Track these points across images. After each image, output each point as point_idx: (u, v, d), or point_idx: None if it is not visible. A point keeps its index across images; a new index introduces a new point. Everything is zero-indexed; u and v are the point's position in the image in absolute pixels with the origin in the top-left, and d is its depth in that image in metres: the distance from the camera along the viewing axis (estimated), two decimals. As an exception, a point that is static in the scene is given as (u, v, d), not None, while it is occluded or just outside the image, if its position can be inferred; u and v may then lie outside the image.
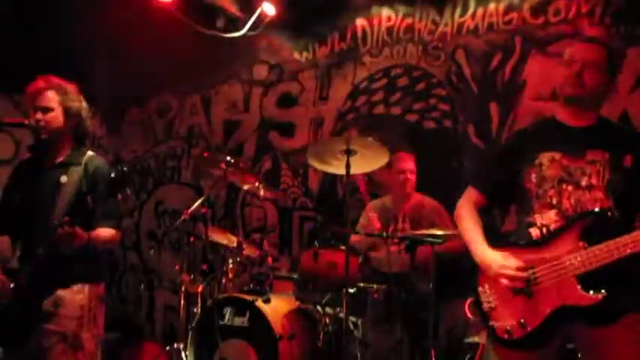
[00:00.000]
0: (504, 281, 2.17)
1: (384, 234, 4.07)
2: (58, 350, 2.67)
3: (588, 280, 2.03)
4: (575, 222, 2.12)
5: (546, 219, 2.20)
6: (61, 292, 2.72)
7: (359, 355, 3.78)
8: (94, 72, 6.21)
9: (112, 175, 2.55)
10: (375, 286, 3.83)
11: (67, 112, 2.85)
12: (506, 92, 4.56)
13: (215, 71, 6.08)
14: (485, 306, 2.26)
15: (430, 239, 3.77)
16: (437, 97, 4.90)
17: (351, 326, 3.81)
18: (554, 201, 2.20)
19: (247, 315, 3.83)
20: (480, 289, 2.30)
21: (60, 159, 2.87)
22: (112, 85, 6.33)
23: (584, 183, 2.17)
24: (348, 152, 3.53)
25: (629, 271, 2.03)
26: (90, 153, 2.91)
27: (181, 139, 6.30)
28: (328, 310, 3.84)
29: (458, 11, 4.84)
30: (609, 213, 2.09)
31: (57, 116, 2.83)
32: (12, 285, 2.66)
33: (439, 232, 3.77)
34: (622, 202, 2.12)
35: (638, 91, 4.08)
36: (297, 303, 3.93)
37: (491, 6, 4.68)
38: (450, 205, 4.30)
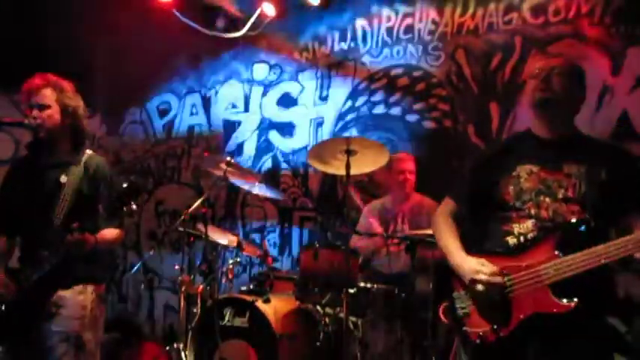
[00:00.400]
0: (479, 286, 2.22)
1: (385, 234, 4.07)
2: (60, 350, 2.67)
3: (562, 288, 2.07)
4: (551, 232, 2.17)
5: (524, 228, 2.25)
6: (62, 293, 2.72)
7: (359, 355, 3.78)
8: (94, 72, 6.22)
9: (124, 185, 2.58)
10: (375, 286, 3.83)
11: (64, 109, 2.85)
12: (506, 92, 4.56)
13: (215, 71, 6.08)
14: (460, 311, 2.30)
15: (430, 239, 3.76)
16: (437, 97, 4.90)
17: (351, 326, 3.81)
18: (533, 212, 2.26)
19: (247, 315, 3.82)
20: (455, 294, 2.34)
21: (59, 158, 2.87)
22: (112, 85, 6.34)
23: (560, 195, 2.23)
24: (348, 152, 3.53)
25: (601, 281, 2.10)
26: (89, 152, 2.91)
27: (181, 139, 6.30)
28: (328, 310, 3.84)
29: (458, 11, 4.84)
30: (584, 224, 2.13)
31: (53, 114, 2.82)
32: (14, 285, 2.67)
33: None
34: (598, 213, 2.16)
35: (638, 91, 4.08)
36: (297, 303, 3.93)
37: (491, 6, 4.69)
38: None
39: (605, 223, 2.18)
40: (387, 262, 4.07)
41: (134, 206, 2.60)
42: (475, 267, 2.25)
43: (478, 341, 2.21)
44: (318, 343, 3.72)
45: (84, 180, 2.79)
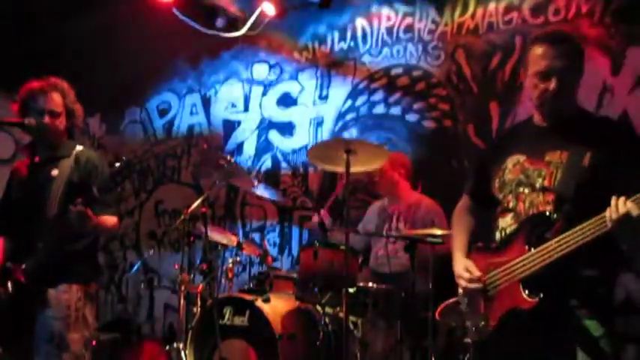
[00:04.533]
0: (460, 290, 2.30)
1: (384, 234, 4.08)
2: (42, 350, 2.67)
3: (533, 282, 2.06)
4: (523, 225, 2.16)
5: (504, 223, 2.25)
6: (48, 292, 2.72)
7: (359, 355, 3.78)
8: (94, 72, 6.22)
9: (117, 164, 2.60)
10: (375, 285, 3.83)
11: (70, 114, 2.88)
12: (506, 92, 4.56)
13: (215, 71, 6.08)
14: (462, 307, 2.34)
15: (430, 239, 3.77)
16: (437, 97, 4.90)
17: (351, 326, 3.81)
18: (511, 205, 2.23)
19: (247, 315, 3.83)
20: (459, 291, 2.36)
21: (52, 154, 2.88)
22: (112, 85, 6.34)
23: (538, 185, 2.17)
24: (348, 152, 3.53)
25: (573, 272, 2.04)
26: (79, 147, 2.91)
27: (181, 139, 6.30)
28: (328, 309, 3.84)
29: (458, 11, 4.84)
30: (548, 214, 2.09)
31: (63, 120, 2.86)
32: (9, 283, 2.67)
33: (437, 232, 3.77)
34: (576, 202, 2.06)
35: (638, 91, 4.08)
36: (297, 303, 3.93)
37: (491, 6, 4.68)
38: (450, 205, 4.33)
39: (582, 212, 2.00)
40: (387, 261, 4.07)
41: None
42: (459, 272, 2.30)
43: (476, 338, 2.26)
44: (317, 343, 3.72)
45: (75, 171, 2.79)
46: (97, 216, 2.70)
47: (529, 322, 2.08)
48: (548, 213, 2.10)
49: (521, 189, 2.21)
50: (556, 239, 1.98)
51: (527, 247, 2.09)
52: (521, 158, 2.24)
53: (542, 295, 2.02)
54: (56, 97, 2.83)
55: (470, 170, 2.72)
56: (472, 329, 2.27)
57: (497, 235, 2.28)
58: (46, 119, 2.79)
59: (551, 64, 2.16)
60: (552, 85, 2.14)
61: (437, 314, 3.36)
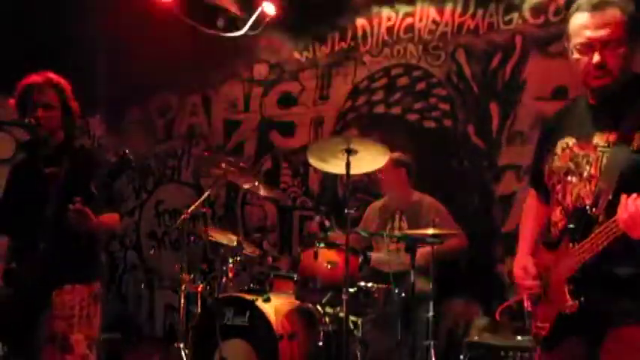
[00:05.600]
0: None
1: (384, 233, 4.08)
2: (46, 351, 2.66)
3: (578, 284, 1.86)
4: (569, 221, 1.96)
5: (555, 217, 2.05)
6: (51, 292, 2.71)
7: (359, 355, 3.78)
8: (94, 72, 6.22)
9: (121, 156, 2.60)
10: (375, 285, 3.83)
11: (66, 109, 2.86)
12: (507, 92, 4.56)
13: (215, 71, 6.08)
14: (527, 305, 2.17)
15: (430, 239, 3.77)
16: (437, 97, 4.90)
17: (351, 326, 3.81)
18: (560, 197, 2.02)
19: (247, 314, 3.82)
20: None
21: (51, 152, 2.87)
22: (112, 85, 6.34)
23: (585, 174, 1.93)
24: (349, 152, 3.54)
25: (619, 274, 1.82)
26: (79, 145, 2.91)
27: (181, 139, 6.30)
28: (328, 309, 3.84)
29: (458, 11, 4.84)
30: (587, 209, 1.87)
31: (57, 114, 2.83)
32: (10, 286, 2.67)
33: (438, 232, 3.77)
34: (627, 190, 1.74)
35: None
36: (297, 302, 3.93)
37: (491, 6, 4.68)
38: (450, 205, 4.35)
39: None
40: (387, 261, 4.07)
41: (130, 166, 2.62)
42: (516, 272, 2.13)
43: (538, 336, 2.07)
44: (318, 343, 3.72)
45: (74, 168, 2.76)
46: (97, 214, 2.68)
47: (577, 328, 1.89)
48: (587, 207, 1.87)
49: (569, 178, 1.98)
50: (605, 225, 1.75)
51: (570, 244, 1.89)
52: (571, 142, 2.00)
53: (583, 299, 1.83)
54: (50, 92, 2.82)
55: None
56: (532, 331, 2.12)
57: (553, 231, 2.06)
58: (39, 112, 2.77)
59: (593, 35, 1.87)
60: (597, 57, 1.87)
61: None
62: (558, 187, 2.02)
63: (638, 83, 1.94)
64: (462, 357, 3.65)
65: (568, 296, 1.87)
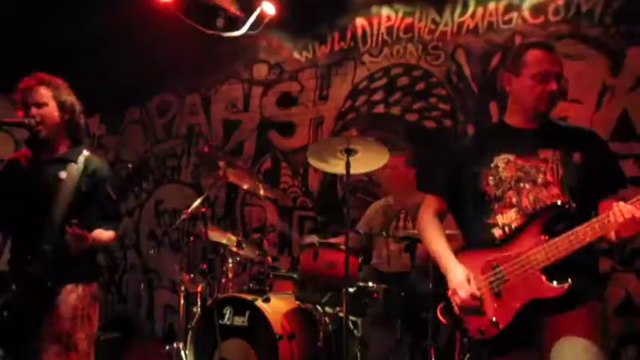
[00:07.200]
0: (456, 298, 2.25)
1: (384, 233, 4.07)
2: (52, 351, 2.66)
3: (552, 272, 2.11)
4: (535, 218, 2.20)
5: (507, 218, 2.27)
6: (55, 293, 2.72)
7: (359, 354, 3.78)
8: (94, 72, 6.22)
9: (130, 167, 2.61)
10: (375, 285, 3.83)
11: (61, 105, 2.85)
12: (506, 92, 4.55)
13: (215, 71, 6.08)
14: (457, 309, 2.29)
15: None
16: (437, 97, 4.90)
17: (351, 326, 3.81)
18: (514, 200, 2.27)
19: (247, 314, 3.82)
20: (449, 293, 2.32)
21: (58, 155, 2.86)
22: (112, 85, 6.34)
23: (540, 180, 2.25)
24: (348, 152, 3.53)
25: (586, 261, 2.16)
26: (86, 152, 2.90)
27: (181, 139, 6.30)
28: (328, 309, 3.84)
29: (458, 11, 4.84)
30: (566, 205, 2.17)
31: (52, 111, 2.83)
32: (13, 286, 2.67)
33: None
34: (577, 196, 2.21)
35: (638, 91, 4.08)
36: (297, 302, 3.93)
37: (491, 6, 4.69)
38: (450, 205, 4.34)
39: (585, 205, 2.20)
40: (387, 260, 4.07)
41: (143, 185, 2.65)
42: (460, 281, 2.24)
43: (478, 336, 2.23)
44: (318, 343, 3.73)
45: (83, 178, 2.79)
46: (94, 228, 2.74)
47: (557, 308, 2.11)
48: (560, 203, 2.17)
49: (521, 184, 2.27)
50: (588, 222, 2.06)
51: (544, 237, 2.13)
52: (511, 157, 2.32)
53: (569, 281, 2.07)
54: (42, 90, 2.82)
55: (437, 173, 2.67)
56: (476, 329, 2.23)
57: (499, 232, 2.27)
58: (32, 111, 2.78)
59: (551, 68, 2.29)
60: (553, 85, 2.27)
61: (438, 313, 3.25)
62: (509, 192, 2.28)
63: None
64: (462, 357, 3.64)
65: (548, 283, 2.10)
